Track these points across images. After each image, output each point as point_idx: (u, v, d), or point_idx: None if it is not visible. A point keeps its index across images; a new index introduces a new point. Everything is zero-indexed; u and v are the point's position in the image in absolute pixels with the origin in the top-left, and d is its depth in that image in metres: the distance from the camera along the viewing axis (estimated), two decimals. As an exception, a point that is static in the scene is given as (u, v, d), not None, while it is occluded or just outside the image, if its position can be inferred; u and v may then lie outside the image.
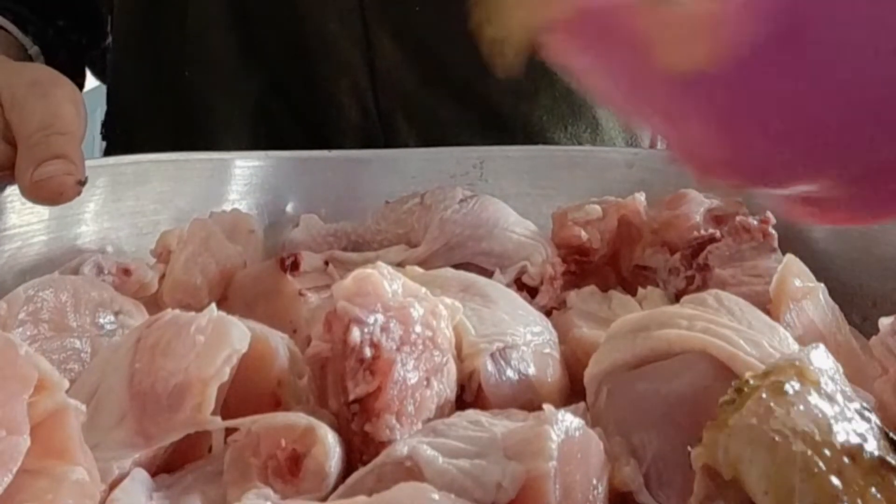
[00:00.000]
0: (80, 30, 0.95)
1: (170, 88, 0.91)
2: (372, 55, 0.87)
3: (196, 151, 0.76)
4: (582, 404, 0.50)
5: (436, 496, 0.38)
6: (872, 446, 0.38)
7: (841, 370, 0.43)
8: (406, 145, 0.88)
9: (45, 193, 0.59)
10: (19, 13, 0.85)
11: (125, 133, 0.96)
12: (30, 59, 0.85)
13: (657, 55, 0.35)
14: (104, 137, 0.98)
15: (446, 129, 0.87)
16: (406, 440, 0.43)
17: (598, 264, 0.69)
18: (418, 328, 0.48)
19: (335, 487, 0.44)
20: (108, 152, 0.97)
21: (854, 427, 0.39)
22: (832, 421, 0.38)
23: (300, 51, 0.87)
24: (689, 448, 0.41)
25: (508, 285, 0.64)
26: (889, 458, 0.37)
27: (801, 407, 0.38)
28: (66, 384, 0.44)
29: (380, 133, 0.89)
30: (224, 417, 0.46)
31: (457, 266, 0.63)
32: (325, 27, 0.86)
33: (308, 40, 0.87)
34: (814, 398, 0.39)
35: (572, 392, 0.54)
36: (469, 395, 0.51)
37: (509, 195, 0.73)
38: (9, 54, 0.79)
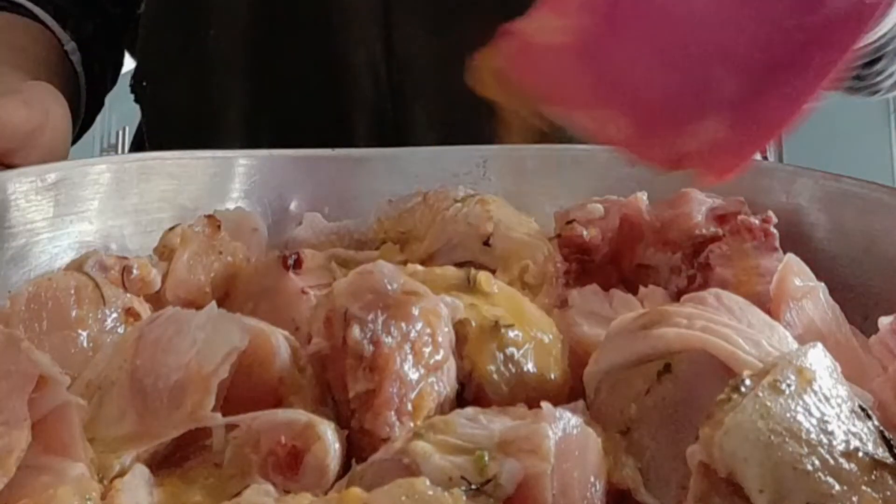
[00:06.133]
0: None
1: (194, 46, 0.94)
2: (389, 28, 0.89)
3: (199, 150, 0.76)
4: (581, 402, 0.50)
5: (431, 492, 0.38)
6: (868, 446, 0.38)
7: (839, 369, 0.43)
8: (416, 122, 0.89)
9: None
10: None
11: (151, 87, 0.99)
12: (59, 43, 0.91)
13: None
14: (132, 90, 1.01)
15: (456, 109, 0.87)
16: (404, 437, 0.44)
17: (600, 263, 0.69)
18: (418, 326, 0.48)
19: (334, 483, 0.44)
20: (137, 100, 1.00)
21: (850, 427, 0.39)
22: (828, 420, 0.38)
23: (321, 19, 0.90)
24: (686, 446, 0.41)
25: (511, 284, 0.64)
26: (885, 458, 0.38)
27: (798, 406, 0.39)
28: (68, 381, 0.44)
29: (390, 108, 0.90)
30: (225, 414, 0.47)
31: (459, 265, 0.63)
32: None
33: (331, 10, 0.90)
34: (810, 397, 0.39)
35: (573, 390, 0.54)
36: (469, 393, 0.51)
37: (512, 194, 0.73)
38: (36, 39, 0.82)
